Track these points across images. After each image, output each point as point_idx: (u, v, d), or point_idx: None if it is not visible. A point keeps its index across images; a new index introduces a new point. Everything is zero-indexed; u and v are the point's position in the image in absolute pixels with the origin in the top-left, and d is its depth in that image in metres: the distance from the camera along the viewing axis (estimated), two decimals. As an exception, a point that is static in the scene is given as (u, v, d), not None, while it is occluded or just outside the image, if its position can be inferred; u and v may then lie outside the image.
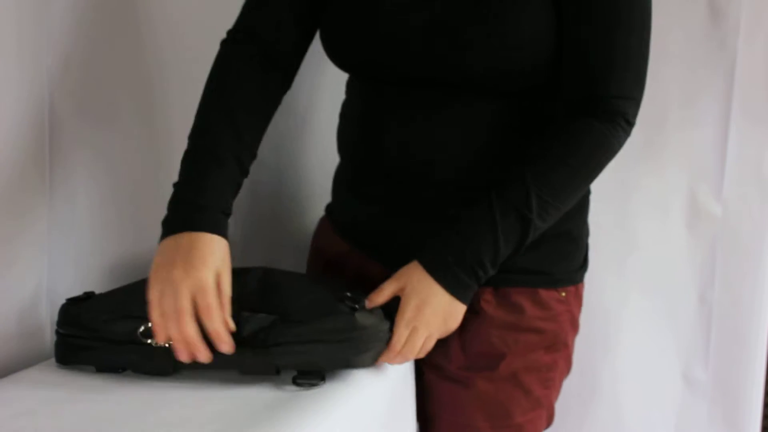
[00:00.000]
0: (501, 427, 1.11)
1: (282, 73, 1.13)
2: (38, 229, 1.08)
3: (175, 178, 1.15)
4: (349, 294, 0.99)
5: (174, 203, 0.99)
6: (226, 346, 0.90)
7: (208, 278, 0.90)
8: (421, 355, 1.01)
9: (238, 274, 1.06)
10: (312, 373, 0.94)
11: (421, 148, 1.06)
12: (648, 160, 1.39)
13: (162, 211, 1.40)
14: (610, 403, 1.45)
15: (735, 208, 1.39)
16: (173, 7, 1.17)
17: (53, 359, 1.03)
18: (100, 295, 1.05)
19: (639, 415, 1.45)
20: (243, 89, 1.07)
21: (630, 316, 1.43)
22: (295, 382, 0.94)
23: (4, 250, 1.14)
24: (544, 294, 1.10)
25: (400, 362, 1.01)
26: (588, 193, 1.18)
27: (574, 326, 1.16)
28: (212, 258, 0.92)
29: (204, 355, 0.90)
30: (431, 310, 0.99)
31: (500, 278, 1.06)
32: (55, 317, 1.04)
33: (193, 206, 0.97)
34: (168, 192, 1.33)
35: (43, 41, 1.18)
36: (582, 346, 1.43)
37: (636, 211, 1.41)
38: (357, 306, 0.97)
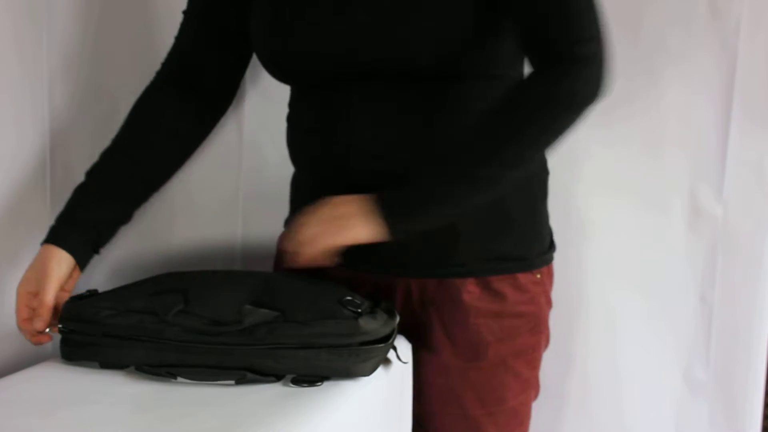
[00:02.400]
0: (496, 413, 1.14)
1: (205, 103, 1.19)
2: (38, 229, 1.08)
3: (174, 177, 1.14)
4: (349, 298, 0.99)
5: None
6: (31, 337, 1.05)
7: (19, 290, 1.06)
8: (307, 252, 1.02)
9: (240, 277, 1.06)
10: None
11: (372, 144, 1.07)
12: (648, 160, 1.39)
13: (162, 211, 1.40)
14: (610, 403, 1.45)
15: (735, 208, 1.39)
16: (173, 8, 1.17)
17: (54, 359, 1.03)
18: (103, 292, 1.05)
19: (639, 415, 1.45)
20: (150, 127, 1.16)
21: (630, 316, 1.43)
22: (295, 381, 0.94)
23: (4, 250, 1.14)
24: (523, 278, 1.13)
25: (286, 245, 1.02)
26: (547, 173, 1.21)
27: (549, 303, 1.20)
28: (31, 271, 1.06)
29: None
30: (341, 201, 1.01)
31: (481, 267, 1.10)
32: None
33: (55, 225, 1.10)
34: (167, 192, 1.33)
35: (43, 41, 1.19)
36: (582, 346, 1.44)
37: (636, 210, 1.41)
38: (360, 311, 0.97)
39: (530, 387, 1.18)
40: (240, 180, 1.44)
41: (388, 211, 1.00)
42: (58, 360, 1.01)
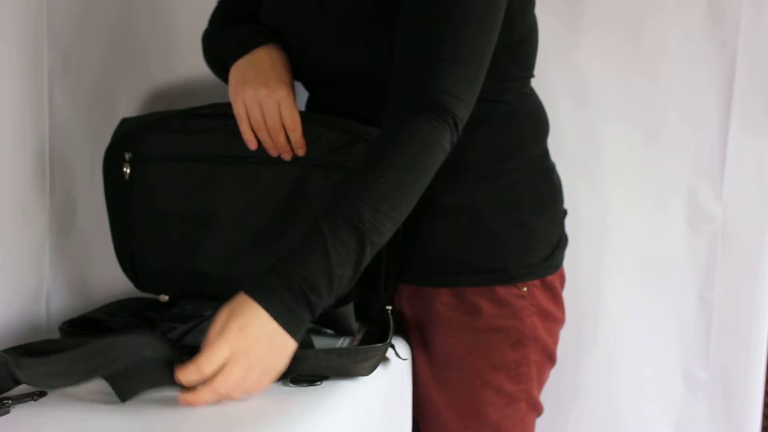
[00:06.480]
0: (475, 427, 1.11)
1: None
2: (38, 230, 1.08)
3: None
4: None
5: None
6: None
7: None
8: (235, 395, 0.85)
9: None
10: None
11: None
12: (648, 160, 1.39)
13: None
14: (609, 403, 1.45)
15: (735, 208, 1.39)
16: (173, 8, 1.17)
17: (53, 359, 1.03)
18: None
19: (639, 414, 1.45)
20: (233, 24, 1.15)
21: (630, 316, 1.43)
22: (295, 380, 0.94)
23: (4, 250, 1.15)
24: (502, 291, 1.09)
25: (207, 398, 0.83)
26: (551, 186, 1.17)
27: (547, 318, 1.13)
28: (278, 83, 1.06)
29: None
30: (255, 337, 0.82)
31: (455, 278, 1.08)
32: (56, 317, 1.05)
33: (247, 40, 1.09)
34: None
35: (43, 41, 1.19)
36: (582, 346, 1.44)
37: (636, 210, 1.41)
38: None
39: (516, 401, 1.12)
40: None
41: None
42: (58, 360, 1.01)
